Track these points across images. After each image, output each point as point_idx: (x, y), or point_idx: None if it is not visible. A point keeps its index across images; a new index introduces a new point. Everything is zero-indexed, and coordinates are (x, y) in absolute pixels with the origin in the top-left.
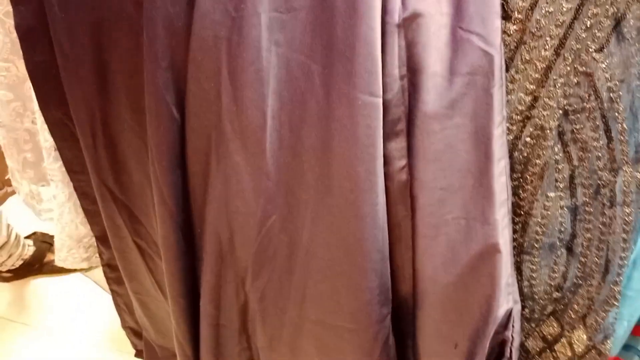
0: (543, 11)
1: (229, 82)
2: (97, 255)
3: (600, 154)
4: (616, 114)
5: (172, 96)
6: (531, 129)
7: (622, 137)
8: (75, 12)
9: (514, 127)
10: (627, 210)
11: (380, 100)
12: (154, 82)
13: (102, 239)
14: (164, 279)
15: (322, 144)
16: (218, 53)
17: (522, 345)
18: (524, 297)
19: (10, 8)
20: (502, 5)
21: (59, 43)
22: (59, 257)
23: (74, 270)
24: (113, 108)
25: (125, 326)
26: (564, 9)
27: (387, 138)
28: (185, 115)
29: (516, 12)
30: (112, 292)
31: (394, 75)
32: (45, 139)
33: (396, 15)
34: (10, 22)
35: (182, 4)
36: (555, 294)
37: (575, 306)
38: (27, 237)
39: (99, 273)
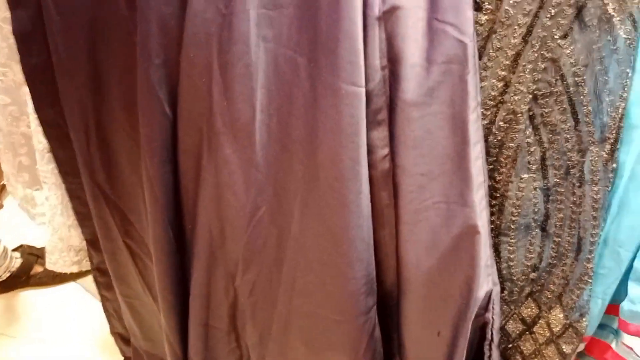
0: (511, 1)
1: (219, 77)
2: (87, 259)
3: (568, 136)
4: (581, 97)
5: (164, 93)
6: (504, 114)
7: (587, 119)
8: (71, 15)
9: (488, 112)
10: (595, 189)
11: (363, 90)
12: (146, 80)
13: (92, 242)
14: (153, 281)
15: (309, 135)
16: (209, 49)
17: (502, 329)
18: (503, 279)
19: (7, 14)
20: None
21: (54, 45)
22: (50, 260)
23: (61, 282)
24: (106, 108)
25: (113, 332)
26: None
27: (370, 127)
28: (177, 111)
29: (486, 3)
30: (102, 297)
31: (375, 66)
32: (39, 140)
33: (376, 9)
34: (7, 28)
35: (175, 4)
36: (532, 275)
37: (551, 286)
38: (14, 250)
39: (89, 281)
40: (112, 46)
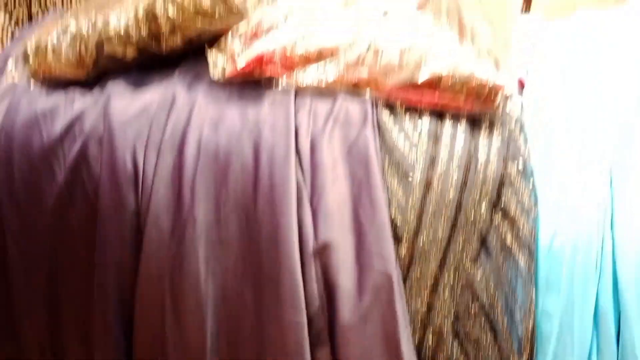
0: (424, 237)
1: (171, 311)
2: None
3: (490, 349)
4: (496, 315)
5: (119, 328)
6: (431, 332)
7: (504, 334)
8: (32, 255)
9: (417, 332)
10: None
11: (305, 318)
12: (103, 317)
13: None
14: None
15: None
16: (162, 286)
17: None
18: None
19: None
20: (393, 234)
21: (15, 283)
22: None
23: None
24: (65, 342)
25: None
26: (441, 234)
27: (313, 347)
28: (132, 343)
29: (404, 239)
30: None
31: (313, 294)
32: None
33: (310, 245)
34: None
35: (130, 248)
36: None
37: None
38: None
39: None
40: (72, 284)
